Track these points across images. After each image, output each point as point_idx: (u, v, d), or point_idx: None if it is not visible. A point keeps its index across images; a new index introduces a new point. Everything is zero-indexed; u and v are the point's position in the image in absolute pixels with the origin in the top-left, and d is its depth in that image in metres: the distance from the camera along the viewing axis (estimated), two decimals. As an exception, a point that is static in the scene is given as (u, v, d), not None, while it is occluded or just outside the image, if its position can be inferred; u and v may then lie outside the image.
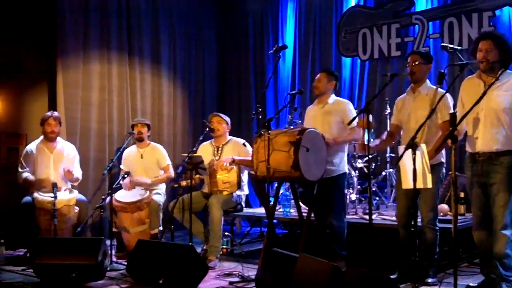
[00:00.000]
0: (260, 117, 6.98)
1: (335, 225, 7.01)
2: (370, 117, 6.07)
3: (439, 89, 6.00)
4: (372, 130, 8.24)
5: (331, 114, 7.14)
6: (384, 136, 6.94)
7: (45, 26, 9.34)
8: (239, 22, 12.30)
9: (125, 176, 8.03)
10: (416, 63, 6.36)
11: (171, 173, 8.81)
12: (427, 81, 6.48)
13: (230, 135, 8.45)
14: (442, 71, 5.77)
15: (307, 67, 11.18)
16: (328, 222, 7.06)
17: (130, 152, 8.83)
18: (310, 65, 11.17)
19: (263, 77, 11.84)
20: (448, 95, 6.14)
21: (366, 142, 6.04)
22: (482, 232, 5.81)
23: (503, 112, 5.57)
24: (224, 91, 12.39)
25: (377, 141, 6.89)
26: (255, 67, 12.05)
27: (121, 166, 8.86)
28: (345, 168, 7.34)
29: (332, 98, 7.29)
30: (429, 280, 6.17)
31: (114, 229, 8.02)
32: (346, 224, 7.16)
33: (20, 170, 8.16)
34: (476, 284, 5.93)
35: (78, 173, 8.40)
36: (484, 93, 5.29)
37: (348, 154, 8.69)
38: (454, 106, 6.26)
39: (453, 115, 5.21)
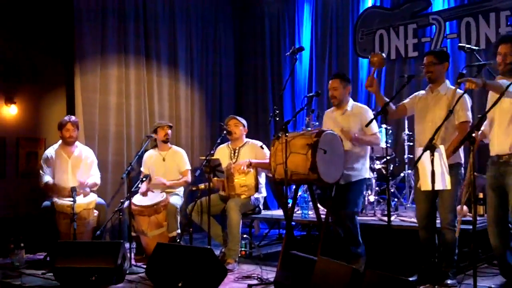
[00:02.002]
0: (277, 119, 6.97)
1: (350, 227, 6.97)
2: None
3: (458, 90, 5.98)
4: (389, 127, 8.24)
5: (351, 120, 7.10)
6: (394, 107, 6.84)
7: (63, 31, 9.42)
8: (256, 25, 12.31)
9: (144, 179, 8.05)
10: (431, 63, 6.34)
11: (189, 178, 8.83)
12: (447, 81, 6.45)
13: (247, 137, 8.45)
14: (461, 71, 5.73)
15: (324, 68, 11.18)
16: (344, 224, 7.05)
17: (151, 155, 8.88)
18: (327, 67, 11.16)
19: (280, 79, 11.84)
20: (466, 96, 6.11)
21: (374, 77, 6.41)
22: (497, 234, 5.80)
23: None
24: (241, 93, 12.41)
25: (393, 107, 6.80)
26: (272, 70, 12.06)
27: (142, 169, 8.90)
28: (366, 174, 7.27)
29: (351, 103, 7.26)
30: (449, 281, 6.13)
31: (133, 234, 8.05)
32: (358, 224, 7.14)
33: (41, 173, 8.20)
34: (496, 286, 5.91)
35: (96, 177, 8.44)
36: (501, 96, 5.26)
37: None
38: (472, 107, 6.24)
39: (481, 118, 5.20)
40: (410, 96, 6.78)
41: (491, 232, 5.86)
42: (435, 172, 5.14)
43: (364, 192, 8.20)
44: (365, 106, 7.41)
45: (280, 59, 11.92)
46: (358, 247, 7.03)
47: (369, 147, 7.35)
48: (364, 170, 7.17)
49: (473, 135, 5.18)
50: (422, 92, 6.65)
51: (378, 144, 7.45)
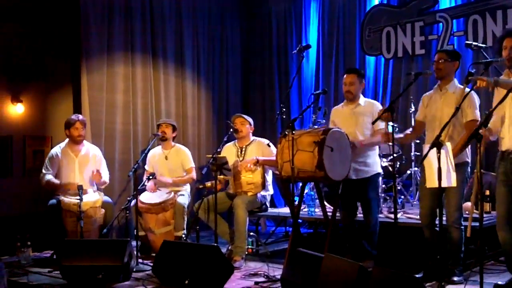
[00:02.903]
0: (284, 117, 6.98)
1: (371, 224, 7.02)
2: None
3: (467, 89, 5.97)
4: (395, 125, 8.23)
5: (364, 115, 7.10)
6: (408, 131, 6.89)
7: (69, 29, 9.43)
8: (263, 23, 12.31)
9: (150, 177, 8.04)
10: (442, 60, 6.33)
11: (194, 175, 8.83)
12: (455, 80, 6.45)
13: (254, 135, 8.45)
14: (469, 70, 5.72)
15: (331, 66, 11.16)
16: (366, 221, 7.09)
17: (155, 154, 8.87)
18: (334, 65, 11.14)
19: (287, 77, 11.83)
20: (474, 94, 6.12)
21: (389, 131, 6.13)
22: (508, 231, 5.78)
23: None
24: (248, 91, 12.40)
25: (401, 135, 6.85)
26: (279, 67, 12.05)
27: (146, 167, 8.91)
28: (379, 168, 7.32)
29: (362, 99, 7.27)
30: (455, 278, 6.14)
31: (140, 233, 8.04)
32: (379, 224, 7.17)
33: (43, 171, 8.20)
34: (504, 283, 5.89)
35: (105, 176, 8.44)
36: (510, 91, 5.24)
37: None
38: (480, 106, 6.23)
39: (488, 115, 5.18)
40: (419, 106, 6.77)
41: (501, 228, 5.82)
42: (441, 169, 5.13)
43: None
44: (377, 102, 7.42)
45: (287, 57, 11.90)
46: (372, 248, 7.06)
47: None
48: (376, 164, 7.22)
49: (480, 131, 5.19)
50: (429, 92, 6.64)
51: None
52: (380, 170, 7.45)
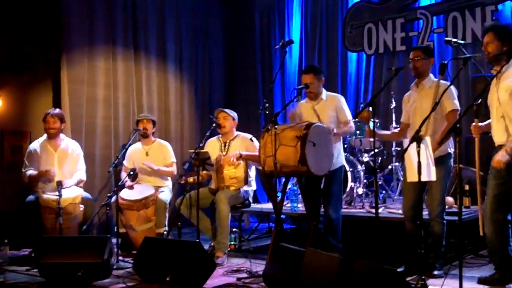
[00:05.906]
0: (267, 112, 6.99)
1: (333, 218, 7.06)
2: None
3: (442, 81, 6.04)
4: (377, 120, 8.28)
5: (327, 109, 7.20)
6: (395, 129, 6.91)
7: (50, 22, 9.30)
8: (246, 17, 12.32)
9: (131, 173, 7.98)
10: (418, 58, 6.41)
11: (174, 170, 8.81)
12: (431, 74, 6.52)
13: (238, 130, 8.42)
14: (444, 62, 5.80)
15: (314, 62, 11.17)
16: (326, 215, 7.11)
17: (135, 150, 8.78)
18: (317, 60, 11.18)
19: (270, 72, 11.86)
20: (452, 86, 6.14)
21: (372, 128, 6.14)
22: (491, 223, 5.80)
23: (506, 103, 5.55)
24: (231, 86, 12.40)
25: (387, 132, 6.86)
26: (262, 62, 12.08)
27: (124, 163, 8.76)
28: (343, 160, 7.41)
29: (325, 93, 7.34)
30: (435, 272, 6.20)
31: (121, 230, 7.96)
32: (341, 217, 7.20)
33: (23, 169, 8.12)
34: (487, 275, 5.91)
35: (81, 173, 8.35)
36: (487, 85, 5.30)
37: (355, 148, 8.74)
38: (459, 97, 6.28)
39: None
40: (402, 107, 6.84)
41: (488, 223, 5.81)
42: (421, 163, 5.16)
43: (352, 184, 8.34)
44: (340, 95, 7.57)
45: (270, 52, 11.95)
46: (338, 242, 7.12)
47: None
48: (340, 157, 7.31)
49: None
50: (408, 92, 6.73)
51: (353, 132, 7.53)
52: (344, 163, 7.55)
